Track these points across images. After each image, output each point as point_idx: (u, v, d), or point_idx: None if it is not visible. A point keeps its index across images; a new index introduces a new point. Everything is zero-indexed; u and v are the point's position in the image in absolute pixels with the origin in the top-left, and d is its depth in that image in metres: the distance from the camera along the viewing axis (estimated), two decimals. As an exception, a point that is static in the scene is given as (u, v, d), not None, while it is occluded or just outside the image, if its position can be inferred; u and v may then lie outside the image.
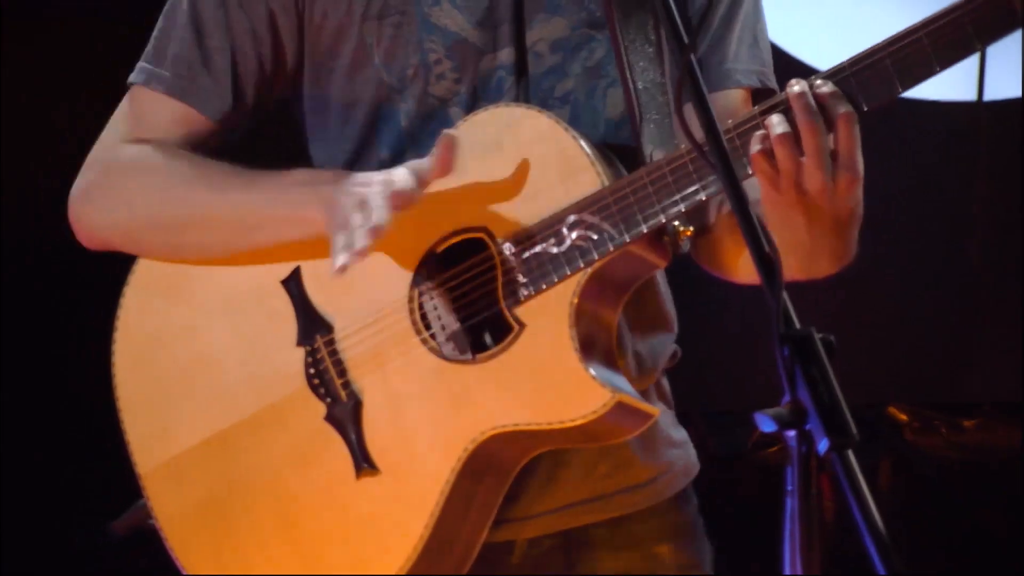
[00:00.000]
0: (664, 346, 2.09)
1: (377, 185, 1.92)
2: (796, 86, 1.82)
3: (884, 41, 1.82)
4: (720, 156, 1.64)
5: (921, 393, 3.88)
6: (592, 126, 2.02)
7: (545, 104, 2.01)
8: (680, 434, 2.11)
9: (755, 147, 1.82)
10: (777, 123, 1.81)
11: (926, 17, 1.82)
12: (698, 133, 1.80)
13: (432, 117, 2.02)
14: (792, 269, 1.83)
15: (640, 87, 1.99)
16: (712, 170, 1.78)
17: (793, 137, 1.80)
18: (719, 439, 3.68)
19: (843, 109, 1.81)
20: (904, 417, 3.92)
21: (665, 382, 2.13)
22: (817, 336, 1.53)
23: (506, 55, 2.02)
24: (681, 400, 3.35)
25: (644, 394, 2.05)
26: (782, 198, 1.82)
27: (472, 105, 2.01)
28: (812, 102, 1.80)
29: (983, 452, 3.93)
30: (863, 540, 1.47)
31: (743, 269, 1.99)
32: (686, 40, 1.70)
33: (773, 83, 2.04)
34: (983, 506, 3.82)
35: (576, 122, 1.99)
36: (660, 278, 2.07)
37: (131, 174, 2.06)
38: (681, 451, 2.11)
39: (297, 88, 2.06)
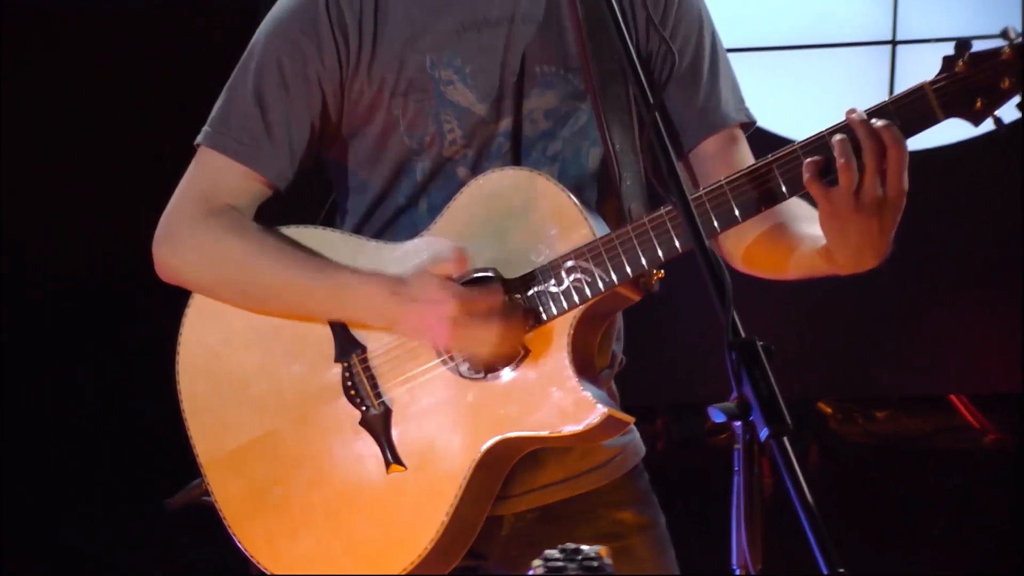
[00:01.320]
0: (617, 349, 2.08)
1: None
2: (855, 114, 1.79)
3: (928, 80, 1.79)
4: (686, 215, 1.64)
5: (843, 389, 3.85)
6: (578, 179, 2.00)
7: (538, 162, 2.00)
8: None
9: (807, 174, 1.81)
10: (841, 148, 1.79)
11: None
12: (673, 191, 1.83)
13: (442, 173, 2.01)
14: (844, 267, 1.87)
15: (618, 148, 1.97)
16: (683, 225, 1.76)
17: (856, 159, 1.77)
18: (679, 427, 3.66)
19: (895, 133, 1.77)
20: (829, 410, 3.93)
21: (613, 384, 2.10)
22: (759, 343, 1.55)
23: (506, 124, 2.01)
24: (649, 394, 3.37)
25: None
26: (840, 212, 1.80)
27: (476, 164, 2.00)
28: (872, 128, 1.77)
29: (893, 438, 3.94)
30: (795, 510, 1.47)
31: (792, 270, 1.96)
32: (651, 100, 1.69)
33: (754, 115, 2.04)
34: (894, 482, 3.81)
35: (564, 176, 1.99)
36: None
37: (213, 239, 2.02)
38: (631, 436, 2.11)
39: (334, 146, 2.05)
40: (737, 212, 1.85)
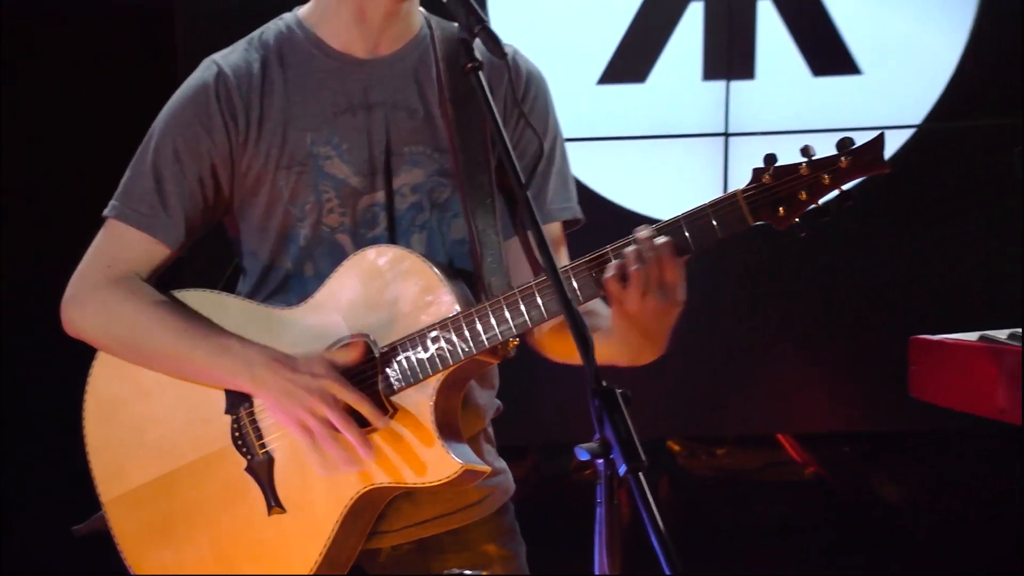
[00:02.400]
0: (491, 402, 2.09)
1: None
2: (643, 232, 1.81)
3: (740, 189, 1.80)
4: (558, 290, 1.65)
5: (689, 429, 3.86)
6: (441, 245, 2.00)
7: (408, 230, 1.99)
8: (500, 464, 2.11)
9: (609, 274, 1.79)
10: (633, 259, 1.79)
11: (744, 186, 1.81)
12: (524, 272, 1.92)
13: (323, 240, 1.99)
14: (625, 359, 1.87)
15: (480, 229, 1.97)
16: (550, 297, 1.81)
17: (643, 270, 1.78)
18: (549, 465, 3.68)
19: (676, 251, 1.79)
20: (677, 448, 3.96)
21: (491, 428, 2.10)
22: (617, 391, 1.56)
23: (379, 195, 1.99)
24: (522, 435, 3.36)
25: (475, 437, 2.05)
26: (627, 312, 1.80)
27: (353, 231, 1.99)
28: (655, 245, 1.79)
29: (731, 471, 3.98)
30: (649, 534, 1.48)
31: (563, 356, 1.97)
32: (523, 181, 1.70)
33: (580, 213, 2.04)
34: (732, 510, 3.86)
35: (430, 243, 1.99)
36: None
37: (111, 303, 2.00)
38: (503, 477, 2.10)
39: (229, 216, 2.03)
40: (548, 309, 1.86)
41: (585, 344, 1.61)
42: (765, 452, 3.96)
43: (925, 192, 3.54)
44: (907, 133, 3.57)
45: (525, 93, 1.99)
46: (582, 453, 1.57)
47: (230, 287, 2.07)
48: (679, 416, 3.65)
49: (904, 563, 3.66)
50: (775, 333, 3.65)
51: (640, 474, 1.52)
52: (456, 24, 1.83)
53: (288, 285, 2.00)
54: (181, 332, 1.98)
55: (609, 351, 1.87)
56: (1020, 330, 1.98)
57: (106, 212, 2.00)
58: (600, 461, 1.56)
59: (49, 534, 3.07)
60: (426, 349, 1.91)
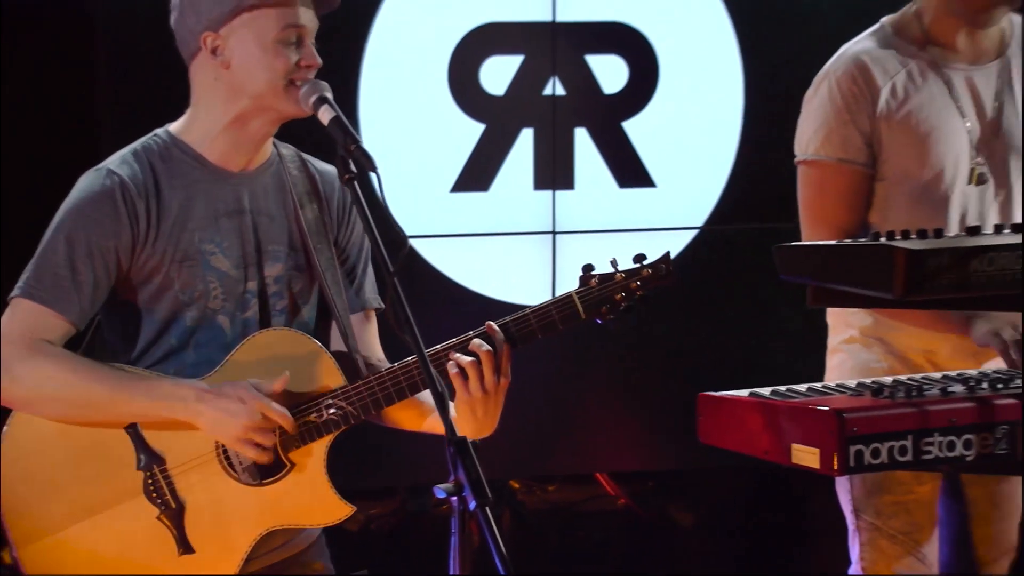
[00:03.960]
0: None
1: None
2: (476, 339, 1.87)
3: (575, 290, 1.88)
4: (426, 369, 1.69)
5: (525, 470, 3.81)
6: (300, 326, 1.99)
7: (272, 313, 1.98)
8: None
9: (453, 368, 1.87)
10: (469, 354, 1.87)
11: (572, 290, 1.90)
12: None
13: (206, 321, 1.97)
14: (469, 434, 1.84)
15: (340, 314, 1.97)
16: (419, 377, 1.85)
17: (478, 362, 1.86)
18: (413, 501, 3.62)
19: (490, 353, 1.86)
20: (516, 485, 3.92)
21: None
22: (468, 440, 1.59)
23: (252, 284, 1.98)
24: (391, 477, 3.28)
25: None
26: (468, 395, 1.87)
27: (232, 314, 1.97)
28: (482, 350, 1.85)
29: (560, 504, 3.96)
30: (494, 560, 1.54)
31: (425, 428, 1.99)
32: (391, 268, 1.70)
33: (381, 303, 2.03)
34: (561, 537, 3.83)
35: (288, 324, 1.98)
36: None
37: (43, 367, 1.92)
38: None
39: (123, 292, 1.98)
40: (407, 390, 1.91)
41: (443, 404, 1.65)
42: (586, 488, 3.96)
43: (708, 280, 3.64)
44: (692, 233, 3.67)
45: (350, 203, 2.02)
46: (439, 492, 1.59)
47: (95, 343, 2.01)
48: (518, 459, 3.63)
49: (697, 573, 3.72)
50: (593, 389, 3.67)
51: (487, 508, 1.55)
52: (292, 147, 1.92)
53: (168, 361, 1.97)
54: (115, 381, 1.92)
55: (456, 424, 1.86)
56: (782, 388, 2.01)
57: (17, 293, 1.93)
58: (455, 498, 1.58)
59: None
60: (321, 415, 1.91)
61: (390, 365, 1.95)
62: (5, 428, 1.95)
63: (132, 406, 1.91)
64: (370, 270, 2.05)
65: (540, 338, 1.88)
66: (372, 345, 2.04)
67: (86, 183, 1.95)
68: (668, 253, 1.90)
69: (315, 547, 2.06)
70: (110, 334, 2.00)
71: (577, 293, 1.88)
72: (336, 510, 1.93)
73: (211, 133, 1.96)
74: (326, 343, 1.98)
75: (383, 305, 2.03)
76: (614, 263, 1.87)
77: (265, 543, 1.96)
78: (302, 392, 1.92)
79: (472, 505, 1.55)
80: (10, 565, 1.97)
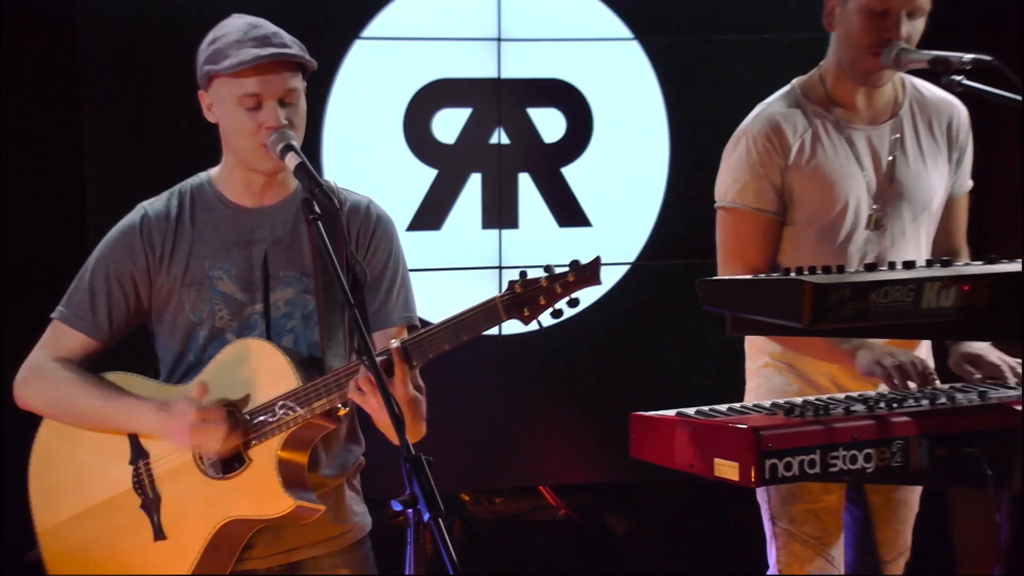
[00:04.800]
0: (354, 456, 2.09)
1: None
2: (362, 371, 1.84)
3: (498, 295, 1.83)
4: (375, 372, 1.72)
5: (475, 483, 3.79)
6: (306, 345, 2.01)
7: (280, 333, 2.00)
8: (361, 507, 2.12)
9: (352, 386, 1.86)
10: (363, 373, 1.85)
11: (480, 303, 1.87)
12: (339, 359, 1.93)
13: (216, 339, 2.02)
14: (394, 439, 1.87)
15: (329, 331, 2.00)
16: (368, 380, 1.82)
17: (373, 380, 1.81)
18: (371, 514, 3.59)
19: (373, 381, 1.81)
20: (467, 497, 3.92)
21: (356, 480, 2.11)
22: (423, 457, 1.59)
23: (259, 307, 2.01)
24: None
25: (339, 487, 2.05)
26: (369, 406, 1.86)
27: (239, 332, 2.01)
28: (367, 375, 1.83)
29: (507, 515, 3.95)
30: (446, 566, 1.53)
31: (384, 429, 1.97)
32: (351, 301, 1.75)
33: (416, 320, 2.04)
34: (509, 545, 3.83)
35: (297, 342, 2.00)
36: (352, 419, 2.06)
37: (50, 378, 2.03)
38: (360, 517, 2.11)
39: (149, 321, 2.07)
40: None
41: (399, 423, 1.65)
42: (530, 499, 3.95)
43: (639, 310, 3.67)
44: (625, 267, 3.69)
45: (374, 231, 2.03)
46: (396, 505, 1.60)
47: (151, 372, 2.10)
48: (468, 474, 3.62)
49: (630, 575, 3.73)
50: (536, 410, 3.67)
51: (440, 519, 1.54)
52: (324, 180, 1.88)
53: (190, 376, 2.02)
54: (105, 398, 2.00)
55: (384, 429, 1.90)
56: (705, 408, 2.03)
57: (53, 315, 2.04)
58: (410, 511, 1.59)
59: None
60: (274, 414, 1.93)
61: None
62: (39, 431, 2.06)
63: (117, 420, 2.00)
64: (396, 292, 2.03)
65: (466, 340, 1.84)
66: None
67: (126, 217, 2.05)
68: (598, 258, 1.86)
69: (344, 555, 2.05)
70: (157, 351, 2.08)
71: (500, 297, 1.84)
72: (279, 503, 1.92)
73: (226, 175, 2.03)
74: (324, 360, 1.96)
75: (416, 322, 2.02)
76: (548, 268, 1.84)
77: (271, 542, 1.98)
78: (260, 394, 1.94)
79: (426, 516, 1.55)
80: (33, 562, 2.05)
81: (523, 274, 1.87)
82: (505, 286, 1.85)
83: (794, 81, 2.38)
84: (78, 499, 2.01)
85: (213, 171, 2.07)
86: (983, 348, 2.22)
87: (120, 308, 2.01)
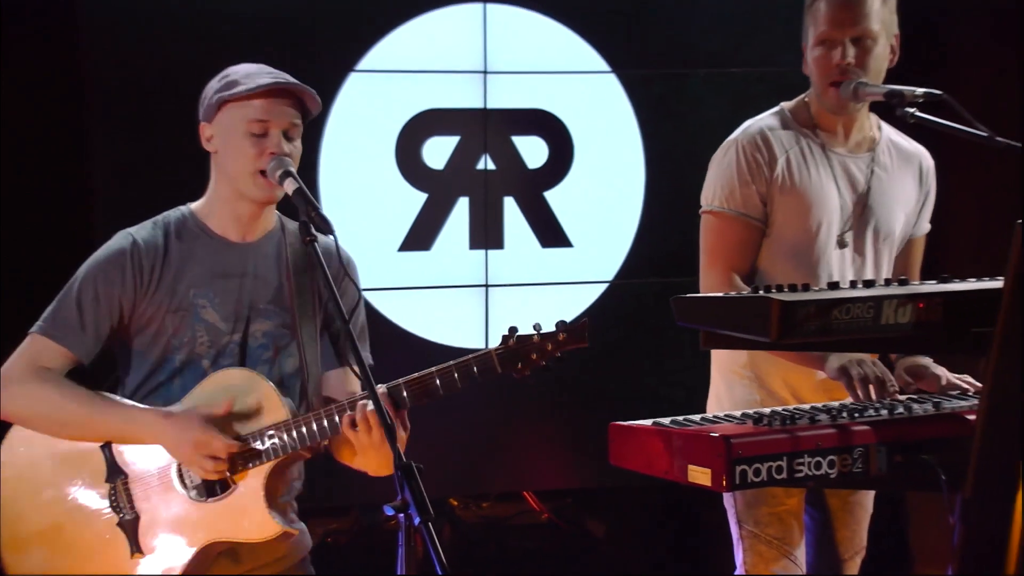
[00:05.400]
0: (300, 479, 2.07)
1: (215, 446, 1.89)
2: (362, 402, 1.88)
3: (493, 348, 1.87)
4: (374, 401, 1.70)
5: (463, 488, 3.76)
6: (280, 374, 2.02)
7: (256, 361, 2.00)
8: (300, 525, 2.07)
9: (346, 421, 1.88)
10: (360, 408, 1.88)
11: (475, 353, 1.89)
12: (344, 389, 1.92)
13: (192, 362, 2.00)
14: (369, 471, 1.93)
15: (308, 361, 2.01)
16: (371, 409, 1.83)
17: (367, 417, 1.86)
18: (366, 517, 3.59)
19: (368, 415, 1.85)
20: (455, 502, 3.88)
21: (294, 500, 2.08)
22: (414, 464, 1.59)
23: (238, 336, 2.00)
24: (346, 496, 3.21)
25: (287, 504, 2.04)
26: (359, 441, 1.88)
27: (215, 359, 1.99)
28: (365, 411, 1.85)
29: (494, 519, 3.92)
30: (435, 568, 1.54)
31: (359, 463, 1.98)
32: (347, 323, 1.78)
33: (371, 362, 2.03)
34: (496, 547, 3.81)
35: (271, 372, 2.00)
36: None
37: (34, 391, 1.96)
38: (302, 535, 2.08)
39: (125, 337, 2.02)
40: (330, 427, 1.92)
41: (392, 434, 1.66)
42: (515, 504, 3.94)
43: (617, 326, 3.67)
44: (604, 286, 3.71)
45: (345, 272, 2.03)
46: (388, 509, 1.60)
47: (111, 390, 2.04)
48: (456, 479, 3.61)
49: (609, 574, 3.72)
50: (521, 419, 3.66)
51: (429, 523, 1.55)
52: (297, 223, 1.88)
53: (157, 393, 1.99)
54: (94, 405, 1.96)
55: (358, 463, 1.93)
56: (680, 417, 2.03)
57: (34, 330, 1.98)
58: (402, 515, 1.58)
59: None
60: (263, 443, 1.92)
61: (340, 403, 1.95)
62: (5, 440, 1.98)
63: (108, 427, 1.94)
64: (359, 333, 2.03)
65: (460, 388, 1.86)
66: (348, 392, 2.04)
67: (111, 242, 2.00)
68: (585, 322, 1.90)
69: (292, 572, 2.05)
70: (120, 370, 2.04)
71: (496, 351, 1.87)
72: (266, 528, 1.92)
73: (214, 209, 2.02)
74: (305, 390, 1.98)
75: (371, 361, 2.03)
76: (536, 327, 1.89)
77: (226, 566, 1.96)
78: (250, 423, 1.94)
79: (417, 520, 1.55)
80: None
81: (513, 329, 1.90)
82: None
83: (783, 104, 2.40)
84: (48, 511, 1.95)
85: (194, 205, 2.05)
86: (926, 362, 2.26)
87: (104, 327, 1.98)
